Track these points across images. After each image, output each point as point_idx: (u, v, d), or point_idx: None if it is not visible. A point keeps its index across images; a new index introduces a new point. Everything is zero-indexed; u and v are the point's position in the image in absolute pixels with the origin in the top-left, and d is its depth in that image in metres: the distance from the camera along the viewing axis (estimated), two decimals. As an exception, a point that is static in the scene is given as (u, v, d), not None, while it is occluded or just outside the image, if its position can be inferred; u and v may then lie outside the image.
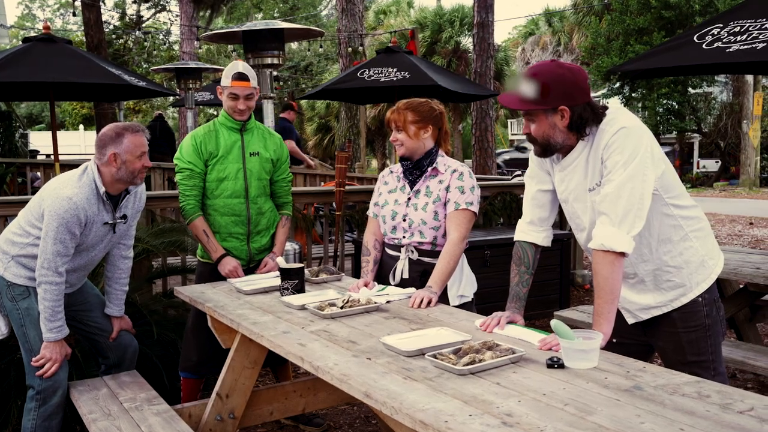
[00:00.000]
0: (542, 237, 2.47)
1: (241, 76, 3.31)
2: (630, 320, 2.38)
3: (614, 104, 2.23)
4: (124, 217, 2.96)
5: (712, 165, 25.59)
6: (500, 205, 6.21)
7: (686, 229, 2.24)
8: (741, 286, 3.93)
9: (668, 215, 2.22)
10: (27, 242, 2.84)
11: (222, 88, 3.35)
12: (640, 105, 23.42)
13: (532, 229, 2.47)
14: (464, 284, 2.95)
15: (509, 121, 31.54)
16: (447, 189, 2.87)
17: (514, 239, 2.51)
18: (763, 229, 11.45)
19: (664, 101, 22.27)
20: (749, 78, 20.99)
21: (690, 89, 21.92)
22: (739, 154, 22.83)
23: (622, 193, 2.07)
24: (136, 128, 2.85)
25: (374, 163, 28.78)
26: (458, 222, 2.84)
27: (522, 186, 6.91)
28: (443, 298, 2.83)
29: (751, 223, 12.25)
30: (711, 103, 24.09)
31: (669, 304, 2.29)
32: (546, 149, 2.24)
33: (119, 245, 3.07)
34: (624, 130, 2.10)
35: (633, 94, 22.50)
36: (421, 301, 2.63)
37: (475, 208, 2.88)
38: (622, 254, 2.08)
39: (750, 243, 9.99)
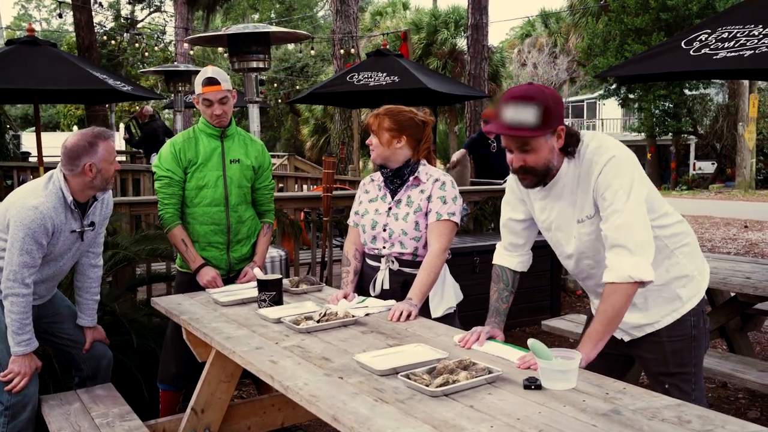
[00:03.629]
0: (516, 262, 2.43)
1: (211, 81, 3.22)
2: (625, 338, 2.32)
3: (590, 133, 2.17)
4: (92, 224, 2.90)
5: (707, 167, 25.61)
6: (491, 210, 6.13)
7: (671, 246, 2.21)
8: (732, 295, 3.86)
9: (653, 237, 2.16)
10: None
11: (196, 96, 3.27)
12: (636, 106, 23.42)
13: (506, 254, 2.45)
14: (446, 295, 2.88)
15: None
16: (428, 199, 2.80)
17: (493, 261, 2.48)
18: (758, 233, 11.40)
19: (661, 103, 22.27)
20: (745, 80, 20.99)
21: (686, 91, 21.92)
22: (734, 156, 22.84)
23: (634, 221, 2.02)
24: (107, 135, 2.83)
25: (370, 165, 28.70)
26: (439, 233, 2.77)
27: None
28: (425, 310, 2.76)
29: (746, 226, 12.20)
30: (707, 105, 24.10)
31: (661, 321, 2.24)
32: (545, 176, 2.15)
33: (87, 253, 3.00)
34: (615, 159, 2.05)
35: (630, 96, 22.49)
36: (401, 315, 2.57)
37: (457, 219, 2.81)
38: (642, 284, 2.03)
39: (744, 247, 9.94)
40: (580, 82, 30.13)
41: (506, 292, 2.39)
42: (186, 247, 3.26)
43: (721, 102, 24.41)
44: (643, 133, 24.64)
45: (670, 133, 24.05)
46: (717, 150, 24.65)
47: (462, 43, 24.32)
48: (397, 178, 2.86)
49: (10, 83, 5.26)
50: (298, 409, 3.09)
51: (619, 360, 2.38)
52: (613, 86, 21.28)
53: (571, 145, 2.11)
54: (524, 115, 2.02)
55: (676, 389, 2.18)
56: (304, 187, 10.44)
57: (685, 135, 24.77)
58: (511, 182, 2.37)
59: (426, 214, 2.80)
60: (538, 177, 2.14)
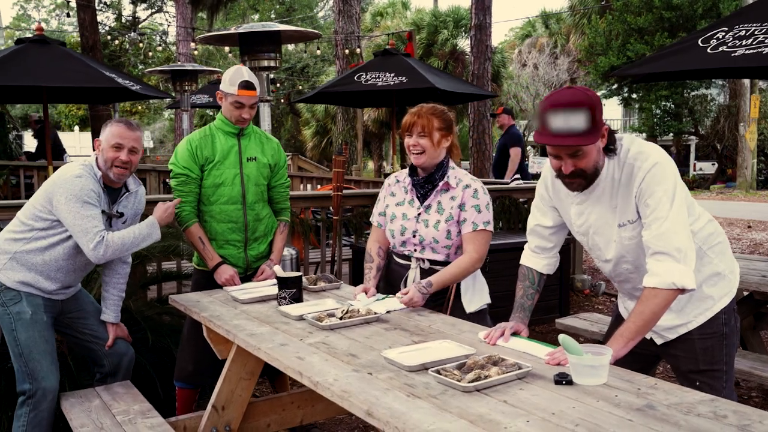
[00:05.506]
0: (543, 264, 2.45)
1: (248, 85, 3.22)
2: (657, 341, 2.33)
3: (627, 136, 2.18)
4: (122, 215, 2.94)
5: (708, 167, 25.63)
6: (499, 209, 6.14)
7: (704, 248, 2.22)
8: (746, 293, 3.87)
9: None
10: (30, 236, 2.82)
11: (224, 93, 3.26)
12: (637, 106, 23.43)
13: (533, 256, 2.47)
14: (478, 291, 2.87)
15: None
16: (460, 207, 2.76)
17: (520, 261, 2.50)
18: (761, 233, 11.41)
19: (662, 103, 22.28)
20: (746, 80, 21.00)
21: (689, 91, 21.94)
22: (735, 157, 22.85)
23: (677, 228, 2.01)
24: (121, 120, 2.93)
25: (370, 165, 28.69)
26: (478, 243, 2.75)
27: (520, 190, 6.81)
28: (458, 306, 2.78)
29: (749, 227, 12.21)
30: (708, 105, 24.12)
31: (694, 320, 2.25)
32: (595, 178, 2.13)
33: None
34: (659, 165, 2.05)
35: (632, 96, 22.50)
36: (410, 300, 2.64)
37: (492, 227, 2.80)
38: (683, 291, 2.03)
39: (749, 246, 9.95)
40: (580, 83, 30.12)
41: (532, 289, 2.40)
42: (203, 245, 3.26)
43: (722, 102, 24.43)
44: (643, 134, 24.66)
45: (671, 134, 24.08)
46: (718, 150, 24.67)
47: (463, 43, 24.30)
48: (428, 183, 2.82)
49: (20, 81, 5.26)
50: (317, 406, 3.10)
51: (647, 359, 2.40)
52: (615, 86, 21.29)
53: (612, 143, 2.10)
54: (574, 122, 1.96)
55: (707, 387, 2.19)
56: (308, 186, 10.43)
57: (686, 135, 24.80)
58: (541, 189, 2.37)
59: (457, 222, 2.77)
60: (588, 180, 2.11)
